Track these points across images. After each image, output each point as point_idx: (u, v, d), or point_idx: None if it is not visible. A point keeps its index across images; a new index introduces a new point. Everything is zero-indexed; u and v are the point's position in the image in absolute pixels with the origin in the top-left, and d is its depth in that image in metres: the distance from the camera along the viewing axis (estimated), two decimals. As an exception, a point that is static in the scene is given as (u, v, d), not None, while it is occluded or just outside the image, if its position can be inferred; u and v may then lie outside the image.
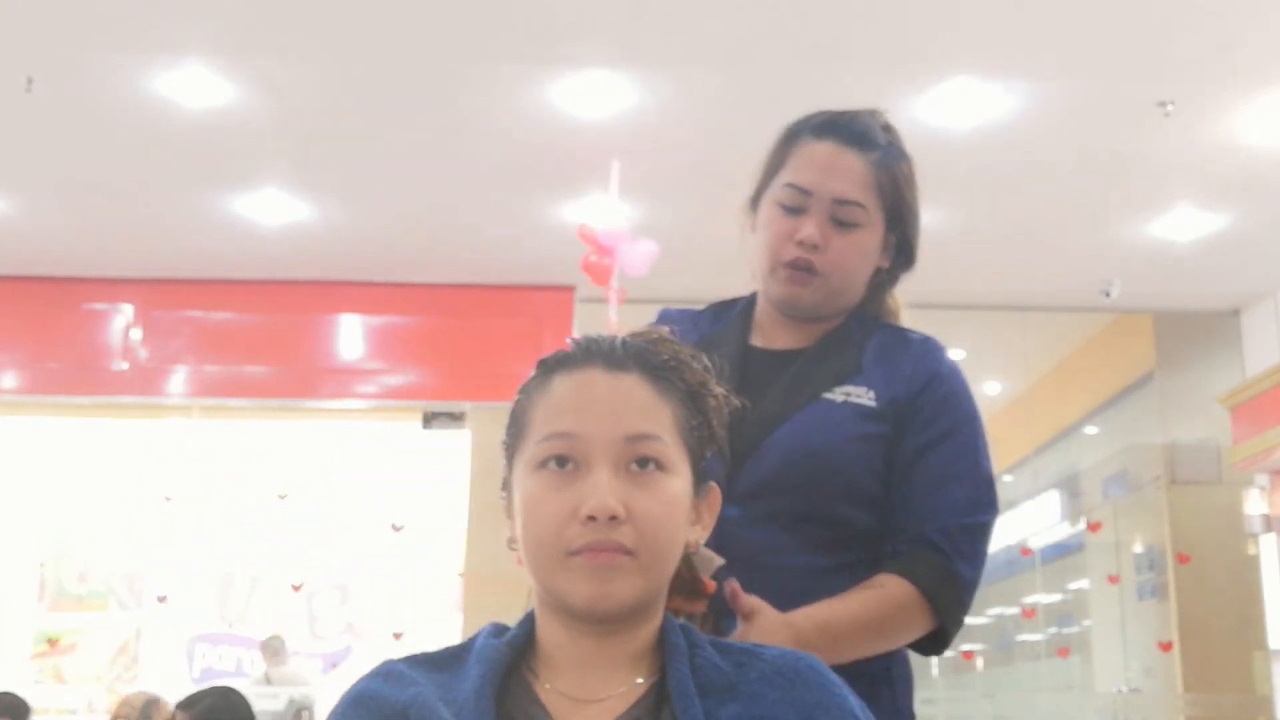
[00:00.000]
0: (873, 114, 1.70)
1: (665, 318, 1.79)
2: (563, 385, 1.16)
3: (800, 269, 1.64)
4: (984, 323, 6.94)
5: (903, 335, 1.70)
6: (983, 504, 1.60)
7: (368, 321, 6.69)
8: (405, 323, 6.67)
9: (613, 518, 1.09)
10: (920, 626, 1.55)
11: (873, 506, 1.59)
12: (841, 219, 1.63)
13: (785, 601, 1.49)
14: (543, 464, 1.13)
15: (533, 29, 4.26)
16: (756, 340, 1.72)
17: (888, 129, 1.70)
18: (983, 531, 1.59)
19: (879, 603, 1.52)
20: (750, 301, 1.77)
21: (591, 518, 1.09)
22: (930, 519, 1.56)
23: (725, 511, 1.25)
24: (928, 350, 1.67)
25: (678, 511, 1.14)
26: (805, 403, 1.61)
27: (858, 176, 1.64)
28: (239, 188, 5.50)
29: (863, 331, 1.69)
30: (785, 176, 1.67)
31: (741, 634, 1.43)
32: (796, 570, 1.55)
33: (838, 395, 1.61)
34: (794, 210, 1.65)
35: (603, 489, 1.10)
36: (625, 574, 1.10)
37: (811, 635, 1.44)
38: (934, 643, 1.59)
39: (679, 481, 1.15)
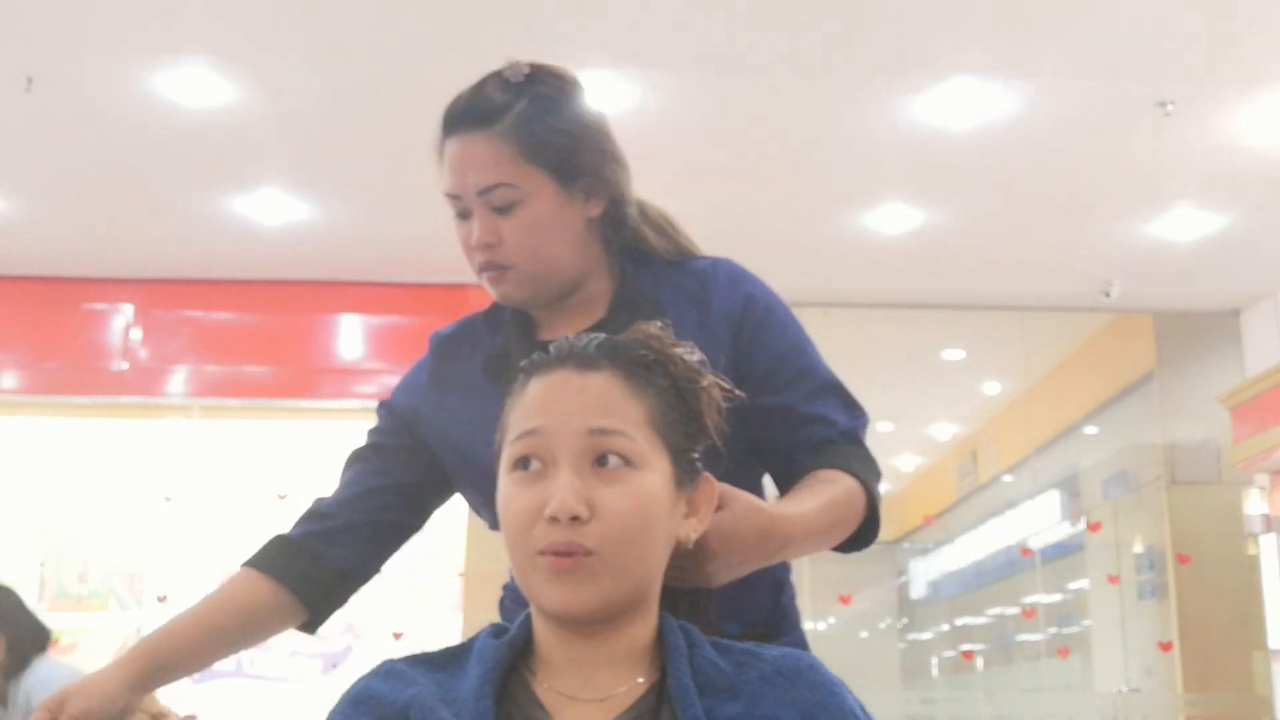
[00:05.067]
0: (499, 74, 1.56)
1: (438, 337, 1.75)
2: (535, 387, 1.17)
3: (490, 269, 1.60)
4: (984, 323, 6.93)
5: (688, 269, 1.61)
6: (854, 407, 1.57)
7: (368, 321, 6.69)
8: (405, 323, 6.66)
9: (574, 518, 1.09)
10: (857, 521, 1.49)
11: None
12: (497, 205, 1.55)
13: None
14: (515, 464, 1.14)
15: (533, 29, 4.26)
16: (545, 334, 1.65)
17: (523, 81, 1.54)
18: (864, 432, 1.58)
19: (842, 496, 1.46)
20: None
21: (554, 518, 1.09)
22: (829, 424, 1.52)
23: None
24: (721, 274, 1.59)
25: (650, 507, 1.13)
26: None
27: (488, 158, 1.53)
28: (239, 188, 5.50)
29: (651, 280, 1.60)
30: (442, 187, 1.60)
31: (715, 520, 1.28)
32: None
33: None
34: (462, 216, 1.59)
35: (564, 488, 1.10)
36: (589, 576, 1.09)
37: (794, 527, 1.37)
38: (856, 540, 1.52)
39: (653, 477, 1.14)
